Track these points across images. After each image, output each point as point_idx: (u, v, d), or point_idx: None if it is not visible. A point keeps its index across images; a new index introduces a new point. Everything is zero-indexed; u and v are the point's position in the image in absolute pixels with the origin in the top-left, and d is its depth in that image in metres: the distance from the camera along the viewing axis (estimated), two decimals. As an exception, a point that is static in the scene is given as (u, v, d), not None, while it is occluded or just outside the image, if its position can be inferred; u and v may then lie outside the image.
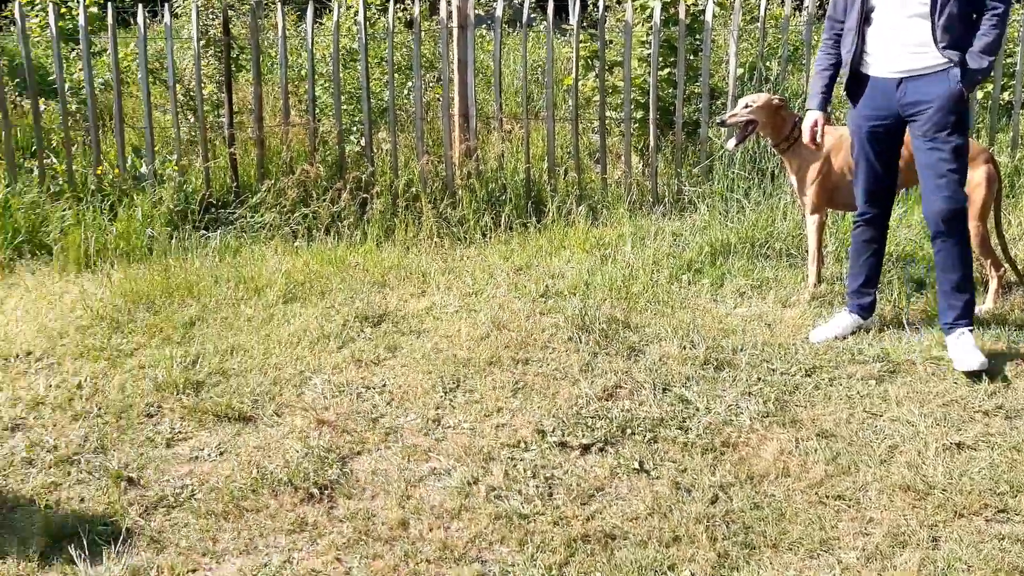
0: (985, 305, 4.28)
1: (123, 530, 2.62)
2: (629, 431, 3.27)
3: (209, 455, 3.13)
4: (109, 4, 5.92)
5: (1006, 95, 6.97)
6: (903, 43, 3.66)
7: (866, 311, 4.15)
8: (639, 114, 6.43)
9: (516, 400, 3.54)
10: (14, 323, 4.29)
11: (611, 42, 6.77)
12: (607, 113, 6.56)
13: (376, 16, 7.98)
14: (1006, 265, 4.43)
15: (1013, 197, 5.91)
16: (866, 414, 3.37)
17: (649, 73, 6.17)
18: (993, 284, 4.36)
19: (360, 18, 5.96)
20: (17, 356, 3.92)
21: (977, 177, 4.21)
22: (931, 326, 4.09)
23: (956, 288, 3.75)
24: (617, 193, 6.11)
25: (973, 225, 4.16)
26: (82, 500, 2.83)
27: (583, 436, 3.22)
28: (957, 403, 3.44)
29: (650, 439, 3.22)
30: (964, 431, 3.22)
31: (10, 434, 3.25)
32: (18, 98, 7.33)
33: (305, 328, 4.20)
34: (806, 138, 4.06)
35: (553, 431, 3.27)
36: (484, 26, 8.86)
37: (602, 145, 6.25)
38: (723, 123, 4.64)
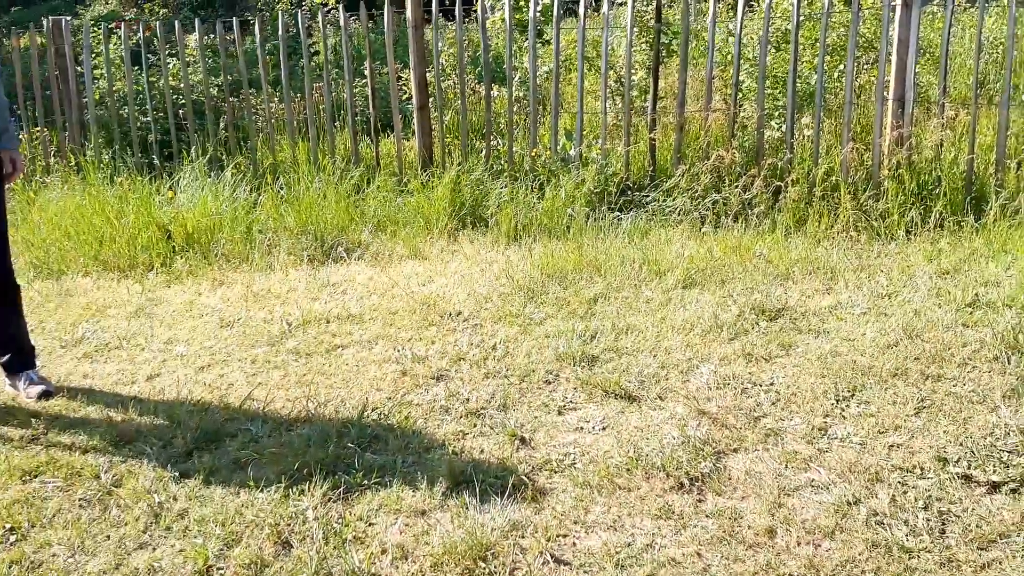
0: None
1: (510, 485, 2.90)
2: (1055, 475, 2.81)
3: (593, 428, 3.31)
4: (556, 1, 6.41)
5: None
6: None
7: None
8: None
9: (918, 420, 3.22)
10: (451, 286, 4.90)
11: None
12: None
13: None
14: None
15: None
16: None
17: None
18: None
19: (794, 1, 5.75)
20: (450, 315, 4.48)
21: None
22: None
23: None
24: (1085, 192, 5.20)
25: None
26: (481, 451, 3.18)
27: (994, 472, 2.84)
28: None
29: (1082, 490, 2.73)
30: None
31: (435, 383, 3.75)
32: (477, 85, 8.28)
33: (699, 315, 4.22)
34: None
35: (957, 461, 2.92)
36: (935, 2, 8.02)
37: (1070, 135, 5.35)
38: None
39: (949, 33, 5.61)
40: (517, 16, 8.32)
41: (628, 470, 2.97)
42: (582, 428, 3.32)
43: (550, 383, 3.70)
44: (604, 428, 3.31)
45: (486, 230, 5.85)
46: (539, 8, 8.14)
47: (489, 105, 6.62)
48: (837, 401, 3.40)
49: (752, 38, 6.96)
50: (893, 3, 5.48)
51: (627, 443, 3.16)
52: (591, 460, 3.07)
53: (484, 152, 6.61)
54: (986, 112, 6.45)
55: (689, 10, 6.16)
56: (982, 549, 2.50)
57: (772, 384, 3.58)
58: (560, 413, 3.45)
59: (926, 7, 8.31)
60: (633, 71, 6.97)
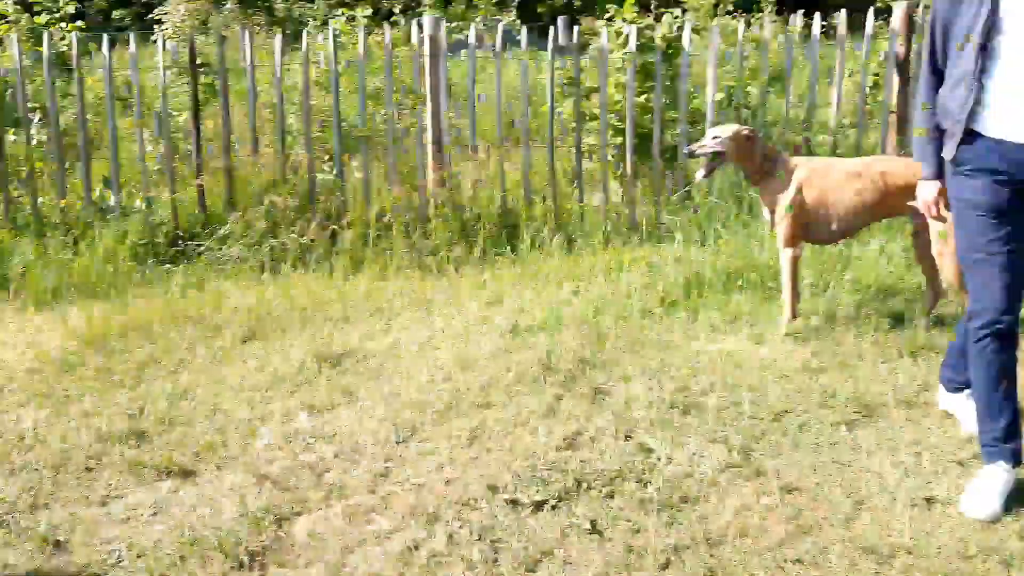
0: None
1: (37, 606, 2.49)
2: (585, 485, 3.12)
3: (142, 515, 2.98)
4: (74, 35, 5.83)
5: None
6: None
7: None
8: (618, 140, 6.31)
9: (471, 450, 3.39)
10: (-36, 366, 4.16)
11: (583, 69, 6.64)
12: (587, 139, 6.46)
13: (350, 43, 7.87)
14: None
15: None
16: (834, 464, 3.22)
17: (627, 99, 6.05)
18: None
19: (330, 45, 5.86)
20: (-38, 403, 3.79)
21: None
22: (916, 357, 3.99)
23: None
24: (595, 221, 5.99)
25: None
26: (5, 566, 2.69)
27: (536, 492, 3.07)
28: (930, 451, 3.29)
29: (607, 494, 3.07)
30: (935, 484, 3.07)
31: (-59, 492, 3.11)
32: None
33: (260, 370, 4.06)
34: (926, 212, 3.12)
35: (505, 487, 3.11)
36: (463, 52, 8.75)
37: (578, 172, 6.13)
38: (691, 154, 4.53)
39: (475, 81, 6.13)
40: (37, 48, 7.43)
41: (182, 558, 2.71)
42: (129, 518, 2.97)
43: (92, 470, 3.28)
44: (155, 514, 2.99)
45: (9, 296, 5.08)
46: (64, 41, 7.38)
47: (1, 150, 5.79)
48: (398, 443, 3.46)
49: (297, 81, 6.97)
50: (423, 52, 5.84)
51: (181, 527, 2.89)
52: (139, 554, 2.75)
53: (2, 204, 5.76)
54: (515, 152, 7.14)
55: (223, 53, 5.98)
56: (530, 570, 2.67)
57: (336, 435, 3.54)
58: (103, 504, 3.06)
59: (456, 54, 9.03)
60: (177, 113, 6.59)
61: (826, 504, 2.98)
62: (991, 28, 2.71)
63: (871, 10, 6.30)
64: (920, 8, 6.16)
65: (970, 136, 2.82)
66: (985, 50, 2.73)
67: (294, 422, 3.61)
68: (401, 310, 4.88)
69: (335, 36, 5.95)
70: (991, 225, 2.83)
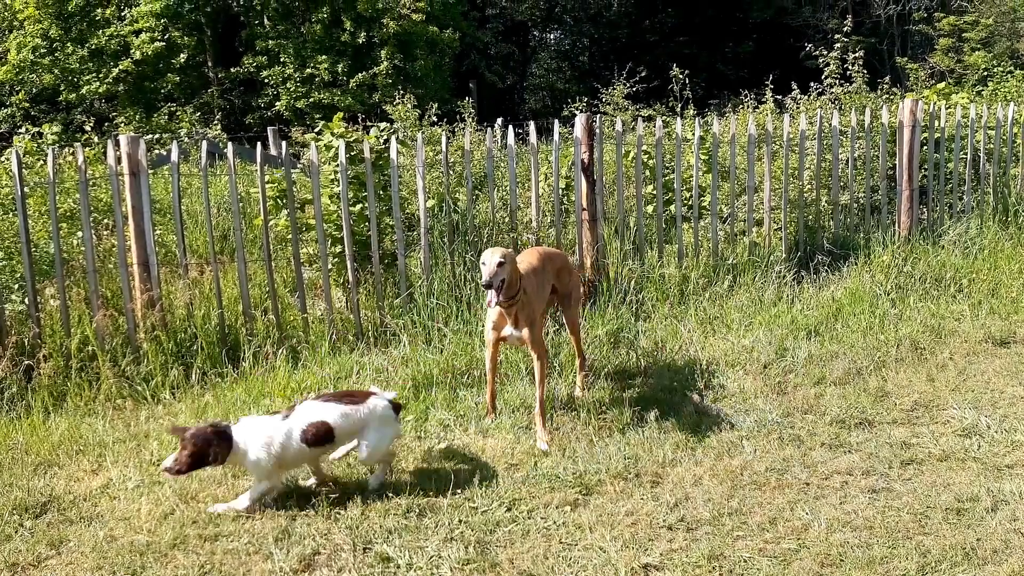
0: None
1: None
2: (326, 606, 3.06)
3: None
4: None
5: (672, 208, 7.65)
6: None
7: None
8: (337, 249, 6.37)
9: (197, 591, 3.21)
10: None
11: (296, 181, 6.70)
12: (306, 249, 6.45)
13: (38, 163, 7.37)
14: None
15: (683, 304, 6.49)
16: (561, 545, 3.42)
17: (342, 209, 6.16)
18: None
19: (15, 167, 5.45)
20: None
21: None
22: (624, 432, 4.34)
23: None
24: (319, 331, 5.96)
25: None
26: None
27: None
28: (643, 520, 3.59)
29: (348, 611, 3.03)
30: (651, 550, 3.35)
31: None
32: None
33: (-56, 535, 3.58)
34: None
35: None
36: (167, 166, 8.49)
37: (299, 282, 6.09)
38: (489, 285, 4.28)
39: (180, 199, 5.95)
40: None
41: None
42: None
43: None
44: None
45: None
46: None
47: None
48: (117, 593, 3.19)
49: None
50: (121, 172, 5.60)
51: None
52: None
53: None
54: (231, 267, 6.96)
55: None
56: None
57: (41, 595, 3.19)
58: None
59: (159, 168, 8.73)
60: None
61: (558, 586, 3.14)
62: None
63: (556, 121, 6.96)
64: (599, 117, 6.90)
65: None
66: None
67: (-11, 588, 3.22)
68: (113, 445, 4.53)
69: (19, 156, 5.54)
70: None
